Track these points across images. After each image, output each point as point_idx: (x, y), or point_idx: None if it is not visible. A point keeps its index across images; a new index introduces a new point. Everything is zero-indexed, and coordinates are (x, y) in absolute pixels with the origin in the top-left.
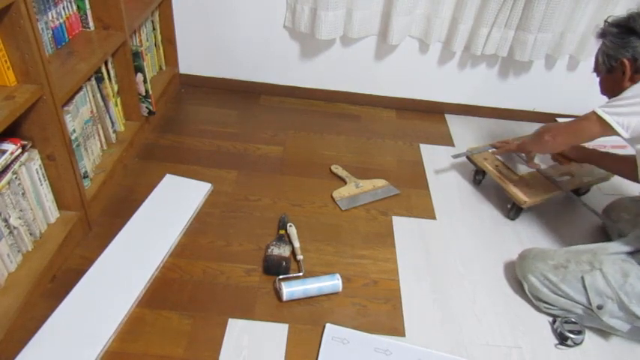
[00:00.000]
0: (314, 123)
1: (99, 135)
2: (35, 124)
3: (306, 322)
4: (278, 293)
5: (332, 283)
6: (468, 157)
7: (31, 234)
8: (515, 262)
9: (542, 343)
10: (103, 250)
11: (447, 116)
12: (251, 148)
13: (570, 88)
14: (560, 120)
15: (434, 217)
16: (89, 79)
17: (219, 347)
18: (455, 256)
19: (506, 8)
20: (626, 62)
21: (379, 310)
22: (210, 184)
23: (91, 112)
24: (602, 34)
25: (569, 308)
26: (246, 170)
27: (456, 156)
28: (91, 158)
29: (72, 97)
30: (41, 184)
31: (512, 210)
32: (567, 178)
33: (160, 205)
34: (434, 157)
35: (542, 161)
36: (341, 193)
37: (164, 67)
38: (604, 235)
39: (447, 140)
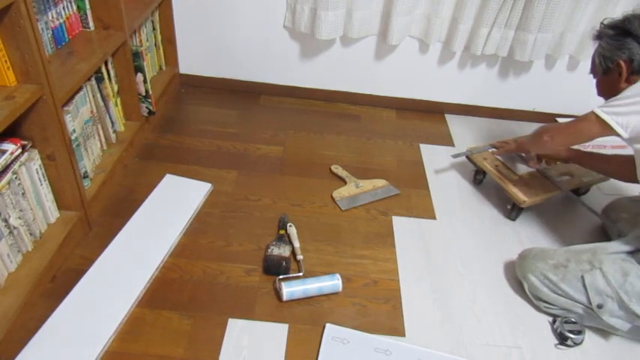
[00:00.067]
0: (314, 123)
1: (99, 135)
2: (35, 124)
3: (306, 322)
4: (278, 293)
5: (332, 283)
6: (467, 157)
7: (31, 234)
8: (515, 262)
9: (542, 343)
10: (103, 250)
11: (447, 116)
12: (251, 148)
13: (570, 88)
14: (560, 120)
15: (434, 217)
16: (89, 79)
17: (219, 347)
18: (455, 256)
19: (506, 8)
20: (622, 64)
21: (379, 310)
22: (210, 184)
23: (91, 112)
24: (598, 36)
25: (569, 307)
26: (246, 170)
27: (455, 156)
28: (91, 158)
29: (72, 97)
30: (41, 184)
31: (513, 210)
32: (567, 178)
33: (159, 205)
34: (434, 157)
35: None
36: (341, 193)
37: (164, 67)
38: (604, 234)
39: (447, 140)
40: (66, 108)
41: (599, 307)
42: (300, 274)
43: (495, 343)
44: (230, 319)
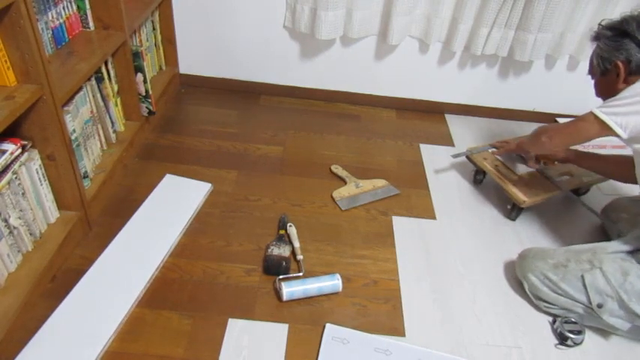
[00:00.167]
0: (314, 123)
1: (99, 135)
2: (35, 124)
3: (306, 322)
4: (278, 293)
5: (332, 283)
6: (467, 157)
7: (31, 234)
8: (515, 262)
9: (542, 343)
10: (103, 250)
11: (447, 116)
12: (251, 148)
13: (570, 88)
14: (559, 120)
15: (434, 217)
16: (89, 79)
17: (219, 347)
18: (455, 256)
19: (506, 8)
20: (620, 64)
21: (379, 310)
22: (210, 184)
23: (91, 112)
24: (596, 37)
25: (570, 307)
26: (246, 170)
27: (455, 156)
28: (91, 158)
29: (72, 97)
30: (41, 184)
31: (513, 210)
32: (567, 178)
33: (159, 205)
34: (434, 157)
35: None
36: (341, 193)
37: (164, 67)
38: (603, 234)
39: (447, 140)
40: (66, 108)
41: (599, 306)
42: (300, 274)
43: (495, 343)
44: (230, 319)
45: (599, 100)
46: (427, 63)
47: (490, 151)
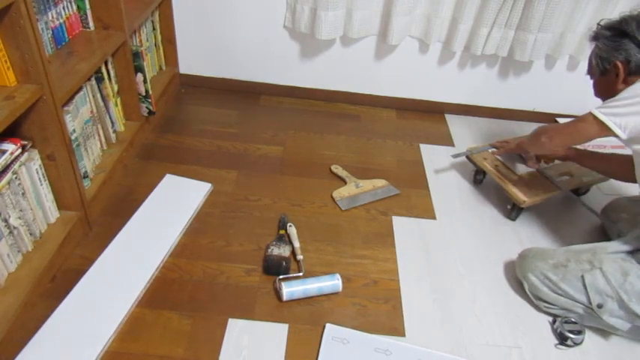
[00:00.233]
0: (314, 123)
1: (99, 135)
2: (35, 124)
3: (306, 322)
4: (278, 293)
5: (332, 283)
6: (467, 157)
7: (31, 234)
8: (515, 262)
9: (542, 343)
10: (103, 250)
11: (447, 116)
12: (251, 148)
13: (570, 88)
14: (559, 120)
15: (434, 217)
16: (89, 79)
17: (219, 347)
18: (455, 256)
19: (506, 8)
20: (619, 65)
21: (379, 310)
22: (210, 184)
23: (91, 112)
24: (595, 37)
25: (570, 307)
26: (246, 170)
27: (455, 156)
28: (91, 158)
29: (72, 97)
30: (41, 184)
31: (513, 210)
32: (567, 178)
33: (160, 205)
34: (434, 157)
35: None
36: (341, 193)
37: (164, 67)
38: (603, 234)
39: (447, 140)
40: (66, 108)
41: (599, 306)
42: (300, 274)
43: (495, 343)
44: (230, 319)
45: (599, 100)
46: (427, 63)
47: (490, 151)
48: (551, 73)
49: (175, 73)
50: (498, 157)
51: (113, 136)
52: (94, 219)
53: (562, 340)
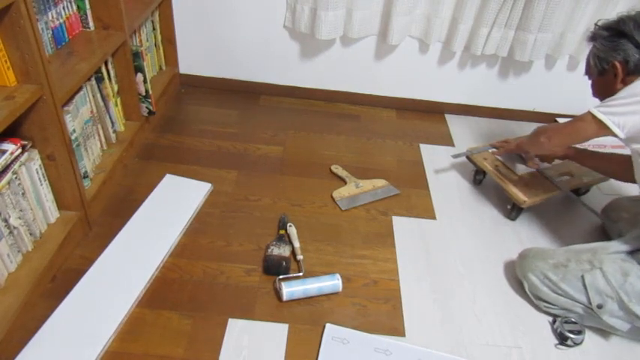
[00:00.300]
0: (314, 123)
1: (99, 135)
2: (35, 124)
3: (306, 322)
4: (278, 293)
5: (332, 283)
6: (467, 157)
7: (31, 234)
8: (515, 262)
9: (542, 343)
10: (103, 250)
11: (447, 116)
12: (251, 148)
13: (570, 88)
14: (559, 120)
15: (434, 217)
16: (89, 79)
17: (219, 347)
18: (455, 256)
19: (506, 8)
20: (618, 65)
21: (379, 310)
22: (210, 184)
23: (91, 112)
24: (593, 38)
25: (569, 307)
26: (246, 170)
27: (455, 156)
28: (91, 158)
29: (72, 97)
30: (41, 184)
31: (513, 210)
32: (567, 178)
33: (160, 205)
34: (434, 157)
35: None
36: (341, 193)
37: (164, 67)
38: (604, 234)
39: (447, 140)
40: (66, 108)
41: (599, 307)
42: (300, 274)
43: (495, 343)
44: (230, 319)
45: (599, 101)
46: (427, 63)
47: (490, 151)
48: (551, 73)
49: (175, 73)
50: (498, 157)
51: (113, 136)
52: (94, 219)
53: (562, 340)
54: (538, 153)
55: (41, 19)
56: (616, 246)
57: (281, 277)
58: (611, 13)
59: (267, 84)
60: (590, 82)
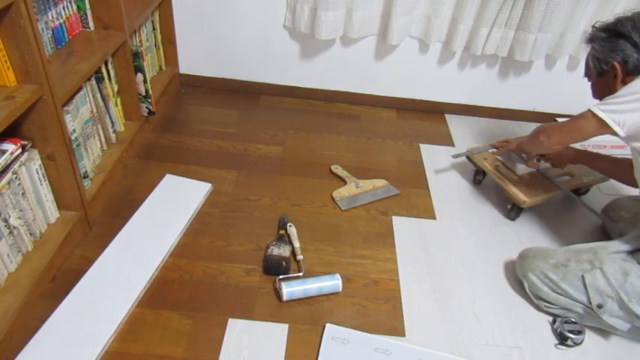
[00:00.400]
0: (314, 123)
1: (99, 135)
2: (35, 124)
3: (306, 322)
4: (278, 293)
5: (332, 283)
6: (467, 157)
7: (31, 234)
8: (515, 262)
9: (542, 343)
10: (103, 250)
11: (447, 116)
12: (251, 148)
13: (570, 88)
14: (559, 120)
15: (434, 217)
16: (89, 79)
17: (219, 347)
18: (455, 256)
19: (506, 8)
20: (617, 65)
21: (379, 310)
22: (210, 184)
23: (91, 112)
24: (591, 39)
25: (570, 307)
26: (246, 170)
27: (455, 156)
28: (91, 158)
29: (72, 97)
30: (41, 184)
31: (513, 210)
32: (567, 178)
33: (160, 205)
34: (434, 157)
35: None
36: (341, 193)
37: (164, 67)
38: (604, 234)
39: (447, 140)
40: (66, 108)
41: (599, 307)
42: (300, 274)
43: (495, 343)
44: (230, 319)
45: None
46: (427, 63)
47: (490, 151)
48: (551, 73)
49: (175, 73)
50: (498, 157)
51: (113, 136)
52: (94, 219)
53: (562, 340)
54: (538, 152)
55: (41, 19)
56: (616, 246)
57: (281, 277)
58: (611, 13)
59: (267, 84)
60: (590, 83)
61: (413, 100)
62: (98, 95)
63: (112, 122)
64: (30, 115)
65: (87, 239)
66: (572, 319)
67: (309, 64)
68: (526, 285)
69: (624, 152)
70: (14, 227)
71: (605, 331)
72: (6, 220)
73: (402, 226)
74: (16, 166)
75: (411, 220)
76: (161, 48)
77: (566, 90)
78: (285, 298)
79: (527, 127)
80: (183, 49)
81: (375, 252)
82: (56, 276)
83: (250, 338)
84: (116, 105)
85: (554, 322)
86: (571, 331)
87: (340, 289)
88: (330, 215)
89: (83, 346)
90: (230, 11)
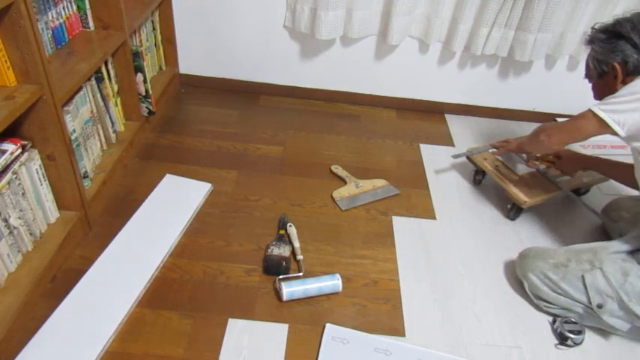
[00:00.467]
0: (314, 123)
1: (99, 135)
2: (35, 124)
3: (306, 322)
4: (278, 293)
5: (332, 283)
6: (467, 157)
7: (31, 234)
8: (515, 262)
9: (542, 343)
10: (103, 250)
11: (447, 116)
12: (251, 148)
13: (570, 88)
14: (559, 120)
15: (434, 217)
16: (89, 79)
17: (219, 347)
18: (455, 256)
19: (506, 8)
20: (617, 66)
21: (379, 310)
22: (210, 184)
23: (91, 112)
24: (591, 41)
25: (570, 307)
26: (246, 170)
27: (456, 156)
28: (91, 158)
29: (72, 97)
30: (41, 184)
31: (512, 210)
32: (567, 178)
33: (160, 205)
34: (434, 157)
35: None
36: (341, 193)
37: (164, 67)
38: (604, 234)
39: (447, 140)
40: (66, 108)
41: (599, 307)
42: (300, 274)
43: (495, 343)
44: (230, 319)
45: None
46: (427, 63)
47: (490, 151)
48: (551, 73)
49: (175, 73)
50: (498, 158)
51: (113, 136)
52: (94, 219)
53: (562, 340)
54: (538, 152)
55: (41, 19)
56: (616, 246)
57: (281, 277)
58: (611, 13)
59: (267, 84)
60: (590, 85)
61: (413, 100)
62: (98, 95)
63: (112, 122)
64: (30, 115)
65: (87, 239)
66: (572, 319)
67: (309, 64)
68: (526, 285)
69: (624, 152)
70: (14, 227)
71: (605, 331)
72: (6, 220)
73: (402, 226)
74: (16, 166)
75: (411, 220)
76: (161, 48)
77: (566, 90)
78: (285, 298)
79: (527, 127)
80: (183, 49)
81: (375, 252)
82: (56, 276)
83: (250, 338)
84: (116, 105)
85: (554, 322)
86: (571, 331)
87: (340, 289)
88: (330, 215)
89: (83, 346)
90: (230, 11)
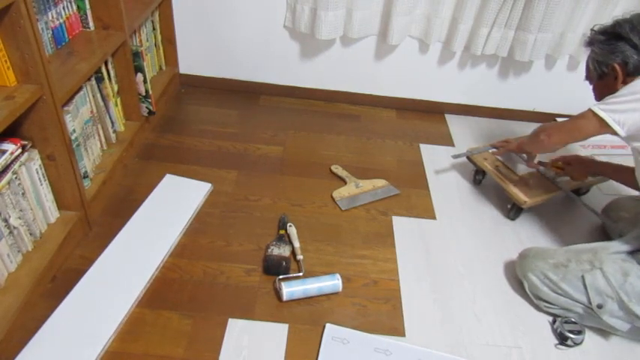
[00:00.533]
0: (314, 123)
1: (99, 135)
2: (35, 124)
3: (306, 322)
4: (278, 293)
5: (332, 283)
6: (468, 157)
7: (31, 234)
8: (515, 262)
9: (542, 343)
10: (103, 250)
11: (447, 116)
12: (251, 148)
13: (570, 88)
14: (559, 120)
15: (434, 217)
16: (89, 79)
17: (219, 347)
18: (455, 256)
19: (506, 8)
20: (617, 67)
21: (379, 310)
22: (210, 184)
23: (91, 112)
24: (590, 43)
25: (570, 307)
26: (246, 170)
27: (456, 156)
28: (91, 158)
29: (72, 97)
30: (41, 184)
31: (512, 210)
32: (567, 178)
33: (160, 205)
34: (434, 157)
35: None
36: (341, 193)
37: (164, 67)
38: (604, 234)
39: (447, 140)
40: (66, 108)
41: (599, 307)
42: (300, 274)
43: (495, 343)
44: (230, 319)
45: None
46: (427, 63)
47: (490, 151)
48: (551, 73)
49: (175, 73)
50: (499, 157)
51: (113, 136)
52: (94, 219)
53: (562, 340)
54: (539, 152)
55: (41, 19)
56: (616, 246)
57: (281, 277)
58: (611, 13)
59: (267, 84)
60: (591, 87)
61: (413, 100)
62: (98, 95)
63: (112, 122)
64: (30, 115)
65: (87, 239)
66: (572, 319)
67: (309, 64)
68: (526, 285)
69: (624, 152)
70: (14, 227)
71: (605, 331)
72: (6, 220)
73: (402, 226)
74: (16, 166)
75: (411, 220)
76: (161, 48)
77: (566, 90)
78: (285, 298)
79: (527, 127)
80: (183, 49)
81: (375, 252)
82: (56, 276)
83: (250, 338)
84: (116, 105)
85: (554, 322)
86: (571, 331)
87: (340, 289)
88: (330, 215)
89: (83, 346)
90: (230, 11)
